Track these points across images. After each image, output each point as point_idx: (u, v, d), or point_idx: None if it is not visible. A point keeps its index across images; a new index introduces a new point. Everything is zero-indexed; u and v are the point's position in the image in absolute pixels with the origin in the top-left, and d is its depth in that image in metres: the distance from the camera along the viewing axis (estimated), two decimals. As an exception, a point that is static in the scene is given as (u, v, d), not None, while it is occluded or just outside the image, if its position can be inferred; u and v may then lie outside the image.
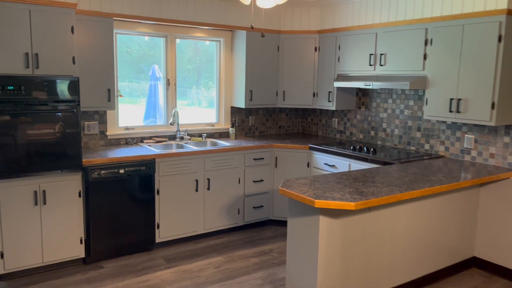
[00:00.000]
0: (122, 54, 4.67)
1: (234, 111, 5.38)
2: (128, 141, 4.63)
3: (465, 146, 4.06)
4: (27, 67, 3.44)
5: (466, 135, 4.04)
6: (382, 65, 4.35)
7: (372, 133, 4.98)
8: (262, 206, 4.91)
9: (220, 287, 3.56)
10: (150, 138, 4.78)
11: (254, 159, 4.78)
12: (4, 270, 3.51)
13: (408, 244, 3.41)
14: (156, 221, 4.20)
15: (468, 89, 3.65)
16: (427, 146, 4.40)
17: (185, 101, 5.23)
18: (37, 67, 3.48)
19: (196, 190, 4.40)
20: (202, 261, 4.04)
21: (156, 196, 4.16)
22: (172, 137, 4.92)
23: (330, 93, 4.99)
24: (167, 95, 4.91)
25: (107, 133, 4.50)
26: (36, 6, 3.43)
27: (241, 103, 5.11)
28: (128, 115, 4.75)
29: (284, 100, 5.28)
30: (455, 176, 3.42)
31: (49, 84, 3.50)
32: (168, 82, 4.89)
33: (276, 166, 4.92)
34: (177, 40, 4.92)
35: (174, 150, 4.42)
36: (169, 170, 4.21)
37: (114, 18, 4.18)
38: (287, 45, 5.18)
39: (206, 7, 4.68)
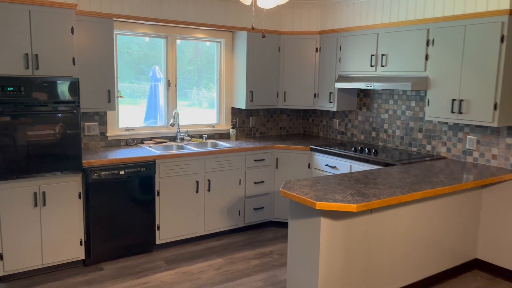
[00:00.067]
0: (123, 55, 4.65)
1: (235, 112, 5.36)
2: (128, 142, 4.61)
3: (467, 147, 4.03)
4: (27, 68, 3.43)
5: (468, 136, 4.02)
6: (383, 66, 4.33)
7: (374, 134, 4.96)
8: (262, 207, 4.89)
9: (221, 289, 3.55)
10: (151, 139, 4.77)
11: (254, 160, 4.76)
12: (3, 272, 3.49)
13: (410, 246, 3.38)
14: (156, 222, 4.18)
15: (470, 90, 3.63)
16: (428, 147, 4.38)
17: (186, 102, 5.21)
18: (37, 68, 3.47)
19: (197, 192, 4.39)
20: (203, 263, 4.02)
21: (156, 198, 4.15)
22: (173, 138, 4.90)
23: (331, 94, 4.97)
24: (168, 96, 4.90)
25: (107, 134, 4.48)
26: (36, 7, 3.42)
27: (241, 104, 5.09)
28: (129, 116, 4.73)
29: (285, 101, 5.26)
30: (457, 177, 3.40)
31: (49, 85, 3.49)
32: (168, 83, 4.87)
33: (277, 167, 4.90)
34: (178, 41, 4.91)
35: (174, 151, 4.40)
36: (170, 171, 4.19)
37: (114, 18, 4.16)
38: (288, 45, 5.17)
39: (207, 7, 4.67)
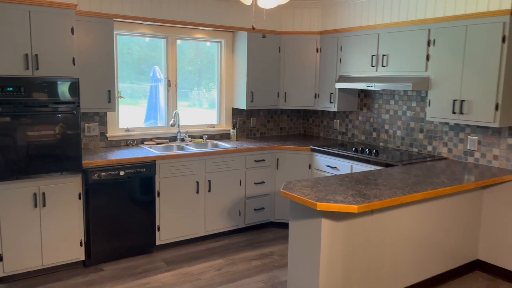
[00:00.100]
0: (123, 55, 4.64)
1: (235, 112, 5.35)
2: (129, 143, 4.60)
3: (468, 148, 4.02)
4: (27, 68, 3.42)
5: (469, 136, 4.01)
6: (384, 66, 4.32)
7: (374, 134, 4.95)
8: (263, 208, 4.88)
9: (221, 290, 3.54)
10: (151, 139, 4.76)
11: (255, 160, 4.75)
12: (3, 272, 3.48)
13: (411, 247, 3.37)
14: (157, 223, 4.17)
15: (471, 90, 3.61)
16: (429, 148, 4.36)
17: (186, 103, 5.20)
18: (37, 68, 3.46)
19: (197, 192, 4.37)
20: (203, 264, 4.01)
21: (157, 198, 4.13)
22: (173, 139, 4.89)
23: (332, 94, 4.95)
24: (168, 96, 4.89)
25: (107, 135, 4.47)
26: (36, 7, 3.41)
27: (242, 105, 5.08)
28: (129, 116, 4.72)
29: (285, 101, 5.25)
30: (458, 178, 3.39)
31: (49, 86, 3.48)
32: (169, 83, 4.86)
33: (277, 168, 4.89)
34: (178, 41, 4.90)
35: (174, 151, 4.39)
36: (170, 172, 4.18)
37: (114, 19, 4.15)
38: (289, 46, 5.16)
39: (207, 7, 4.66)
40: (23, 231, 3.52)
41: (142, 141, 4.70)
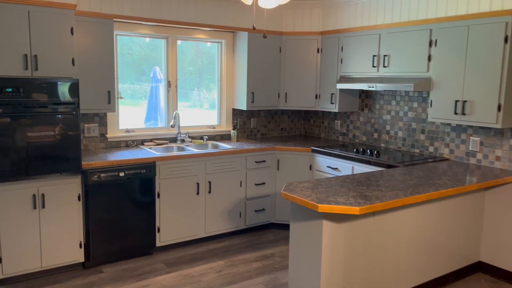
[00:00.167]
0: (124, 55, 4.62)
1: (236, 113, 5.33)
2: (129, 144, 4.58)
3: (470, 149, 3.99)
4: (26, 68, 3.40)
5: (471, 137, 3.98)
6: (385, 67, 4.29)
7: (376, 135, 4.92)
8: (264, 209, 4.86)
9: (222, 292, 3.51)
10: (151, 140, 4.74)
11: (256, 161, 4.72)
12: (2, 275, 3.46)
13: (412, 248, 3.35)
14: (157, 224, 4.15)
15: (473, 91, 3.59)
16: (431, 149, 4.34)
17: (187, 103, 5.18)
18: (36, 69, 3.44)
19: (197, 193, 4.35)
20: (203, 266, 3.98)
21: (157, 200, 4.11)
22: (173, 140, 4.87)
23: (333, 95, 4.93)
24: (168, 97, 4.87)
25: (107, 136, 4.45)
26: (35, 7, 3.39)
27: (242, 105, 5.06)
28: (129, 117, 4.70)
29: (286, 102, 5.22)
30: (460, 179, 3.36)
31: (48, 86, 3.46)
32: (169, 84, 4.84)
33: (278, 169, 4.87)
34: (178, 42, 4.88)
35: (175, 152, 4.37)
36: (170, 173, 4.16)
37: (114, 19, 4.13)
38: (289, 46, 5.13)
39: (207, 8, 4.64)
40: (22, 233, 3.50)
41: (142, 142, 4.68)
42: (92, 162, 3.74)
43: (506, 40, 3.35)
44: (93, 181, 3.74)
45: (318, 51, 5.09)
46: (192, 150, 4.52)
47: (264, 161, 4.78)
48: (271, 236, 4.76)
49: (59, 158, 3.57)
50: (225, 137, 5.28)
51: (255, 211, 4.79)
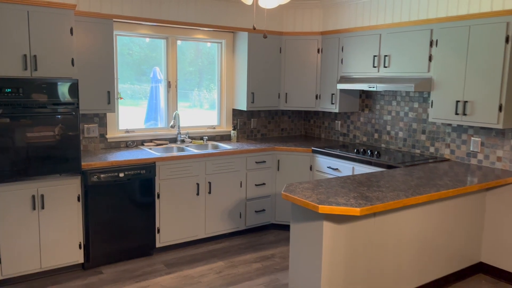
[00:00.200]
0: (124, 56, 4.61)
1: (236, 113, 5.32)
2: (128, 144, 4.57)
3: (471, 149, 3.98)
4: (25, 69, 3.39)
5: (472, 138, 3.97)
6: (386, 67, 4.28)
7: (376, 135, 4.91)
8: (264, 210, 4.84)
9: (222, 293, 3.50)
10: (151, 141, 4.72)
11: (256, 162, 4.71)
12: (1, 276, 3.45)
13: (413, 249, 3.33)
14: (157, 225, 4.14)
15: (474, 91, 3.58)
16: (432, 149, 4.32)
17: (187, 103, 5.17)
18: (36, 69, 3.43)
19: (197, 194, 4.34)
20: (203, 266, 3.97)
21: (157, 200, 4.10)
22: (173, 140, 4.86)
23: (333, 95, 4.92)
24: (168, 97, 4.85)
25: (107, 136, 4.44)
26: (35, 7, 3.38)
27: (243, 106, 5.05)
28: (129, 117, 4.69)
29: (286, 102, 5.21)
30: (461, 180, 3.35)
31: (47, 87, 3.45)
32: (169, 84, 4.83)
33: (278, 170, 4.85)
34: (178, 42, 4.87)
35: (175, 153, 4.35)
36: (170, 174, 4.14)
37: (114, 19, 4.12)
38: (290, 46, 5.12)
39: (207, 8, 4.63)
40: (22, 234, 3.49)
41: (142, 143, 4.67)
42: (91, 162, 3.73)
43: (507, 40, 3.34)
44: (93, 181, 3.73)
45: (318, 51, 5.07)
46: (192, 150, 4.51)
47: (264, 161, 4.77)
48: (271, 237, 4.75)
49: (58, 158, 3.55)
50: (225, 138, 5.27)
51: (255, 211, 4.78)
